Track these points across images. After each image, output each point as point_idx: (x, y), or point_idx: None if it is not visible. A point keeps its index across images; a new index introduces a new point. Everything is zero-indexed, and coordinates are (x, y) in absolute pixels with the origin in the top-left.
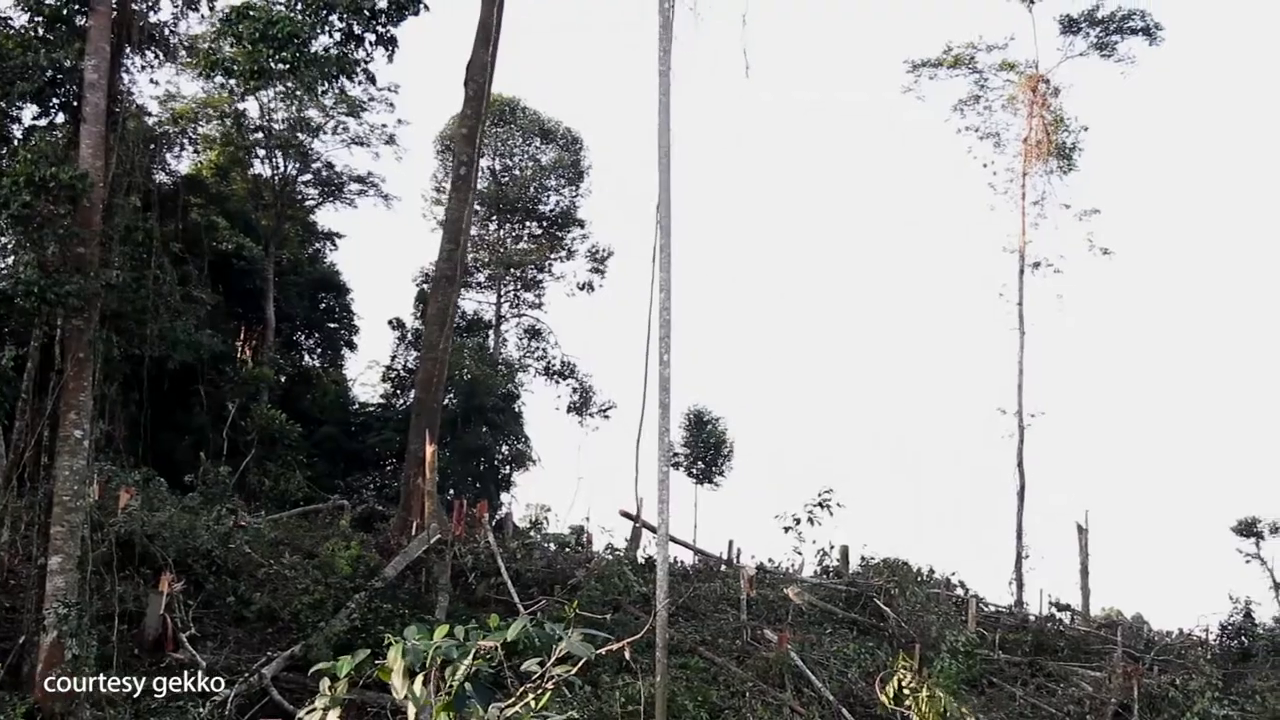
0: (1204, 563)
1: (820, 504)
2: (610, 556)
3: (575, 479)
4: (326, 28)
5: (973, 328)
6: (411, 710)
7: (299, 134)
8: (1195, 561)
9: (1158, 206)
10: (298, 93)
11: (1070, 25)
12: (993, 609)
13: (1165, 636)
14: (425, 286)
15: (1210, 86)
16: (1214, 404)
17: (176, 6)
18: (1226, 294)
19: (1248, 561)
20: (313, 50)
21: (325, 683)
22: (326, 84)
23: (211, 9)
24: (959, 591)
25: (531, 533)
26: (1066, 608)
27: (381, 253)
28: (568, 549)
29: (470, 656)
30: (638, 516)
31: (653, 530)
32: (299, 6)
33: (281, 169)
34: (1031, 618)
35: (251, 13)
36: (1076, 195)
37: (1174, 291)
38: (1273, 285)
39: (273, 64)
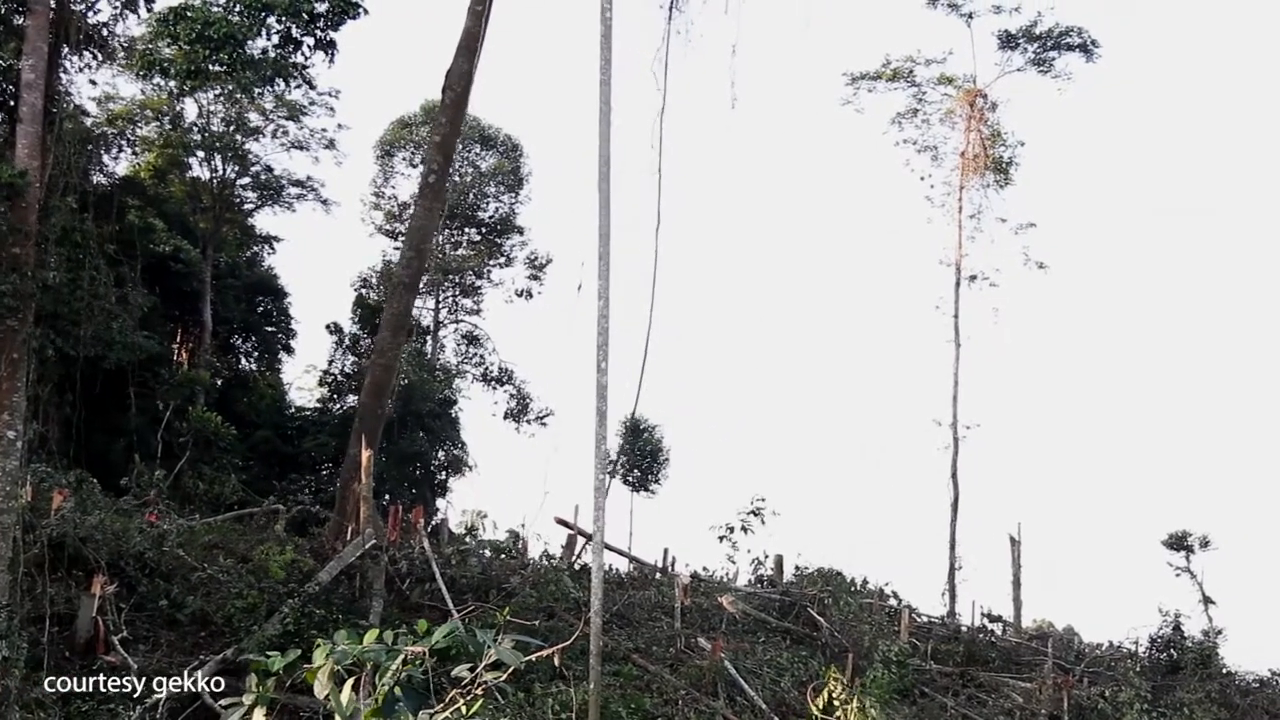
0: (1135, 575)
1: (754, 512)
2: (546, 563)
3: (542, 493)
4: (265, 30)
5: (910, 339)
6: (338, 716)
7: (238, 137)
8: (1127, 574)
9: (1093, 221)
10: (236, 95)
11: (1008, 41)
12: (925, 619)
13: (1096, 648)
14: (364, 291)
15: (1147, 103)
16: (1148, 417)
17: (115, 7)
18: (1160, 309)
19: (1178, 575)
20: (250, 53)
21: (252, 679)
22: (265, 87)
23: (150, 9)
24: (892, 602)
25: (467, 539)
26: (998, 619)
27: (320, 257)
28: (503, 555)
29: (399, 661)
30: (574, 524)
31: (588, 537)
32: (237, 9)
33: (220, 172)
34: (963, 628)
35: (189, 14)
36: (1013, 209)
37: (1109, 306)
38: (1205, 300)
39: (210, 65)
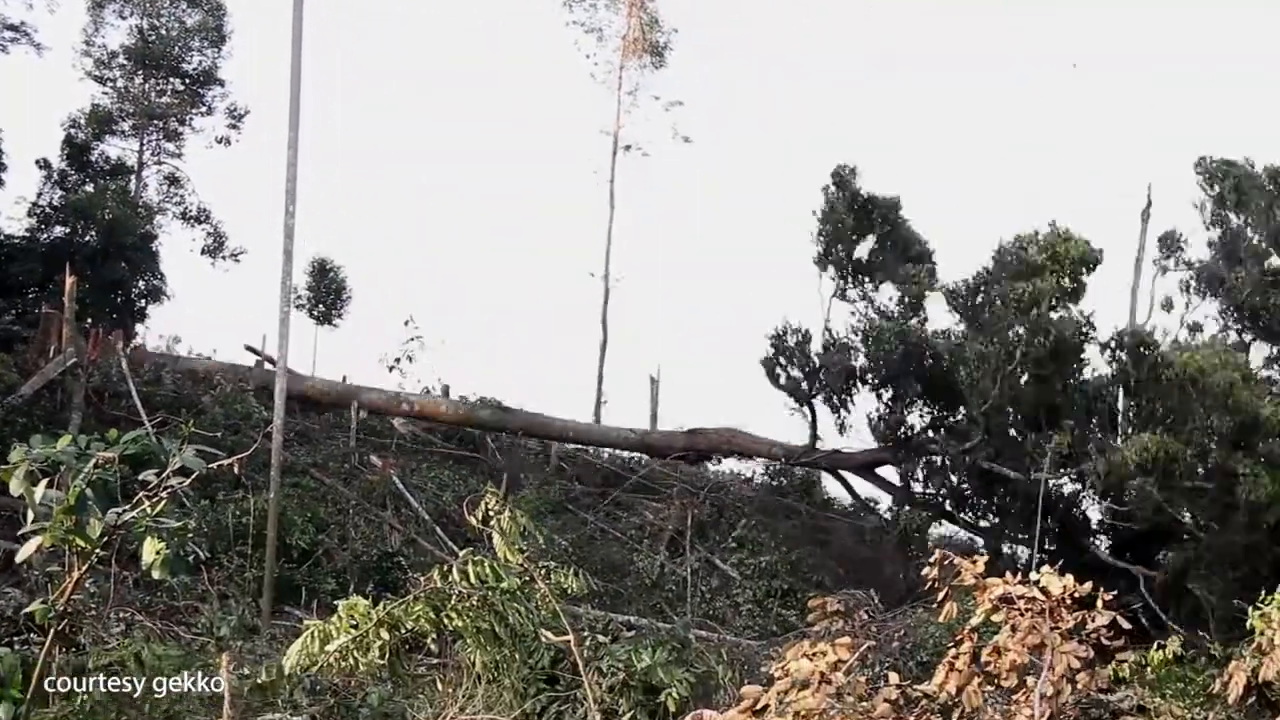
0: (760, 416)
1: (412, 339)
2: (232, 386)
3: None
4: None
5: (572, 200)
6: (30, 513)
7: None
8: (752, 414)
9: (734, 101)
10: None
11: None
12: (573, 447)
13: (720, 475)
14: (73, 131)
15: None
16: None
17: None
18: (793, 179)
19: (791, 415)
20: None
21: None
22: None
23: None
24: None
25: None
26: None
27: (32, 97)
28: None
29: (90, 465)
30: (261, 350)
31: (274, 363)
32: None
33: None
34: (606, 455)
35: None
36: (665, 88)
37: (745, 176)
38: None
39: None
